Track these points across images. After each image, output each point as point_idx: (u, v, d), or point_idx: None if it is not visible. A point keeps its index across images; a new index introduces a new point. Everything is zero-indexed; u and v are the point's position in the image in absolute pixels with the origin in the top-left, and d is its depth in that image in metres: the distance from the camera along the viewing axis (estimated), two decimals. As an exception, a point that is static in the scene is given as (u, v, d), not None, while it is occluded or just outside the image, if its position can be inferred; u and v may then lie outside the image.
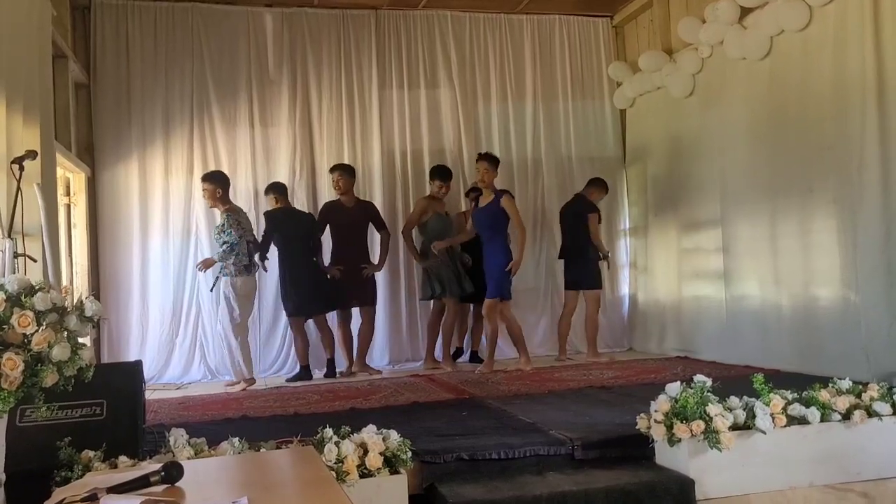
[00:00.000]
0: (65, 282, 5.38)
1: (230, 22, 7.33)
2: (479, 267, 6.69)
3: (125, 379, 3.56)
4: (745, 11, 6.08)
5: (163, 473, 2.11)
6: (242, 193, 7.16)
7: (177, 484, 2.09)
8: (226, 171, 7.11)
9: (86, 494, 2.03)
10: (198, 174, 7.10)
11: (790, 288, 5.79)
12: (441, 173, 7.05)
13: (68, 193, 6.70)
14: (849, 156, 5.18)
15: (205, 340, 7.02)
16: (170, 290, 7.03)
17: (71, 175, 6.72)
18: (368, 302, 6.86)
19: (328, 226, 6.88)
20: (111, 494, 2.00)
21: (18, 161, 4.03)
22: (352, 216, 6.84)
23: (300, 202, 7.19)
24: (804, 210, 5.66)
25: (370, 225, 6.97)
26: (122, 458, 3.06)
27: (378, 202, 7.34)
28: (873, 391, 3.74)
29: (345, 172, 6.85)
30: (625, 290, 8.06)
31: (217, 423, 4.47)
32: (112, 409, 3.41)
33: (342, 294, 6.73)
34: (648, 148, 7.69)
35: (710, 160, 6.69)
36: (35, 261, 3.92)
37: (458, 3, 7.72)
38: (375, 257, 7.03)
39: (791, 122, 5.74)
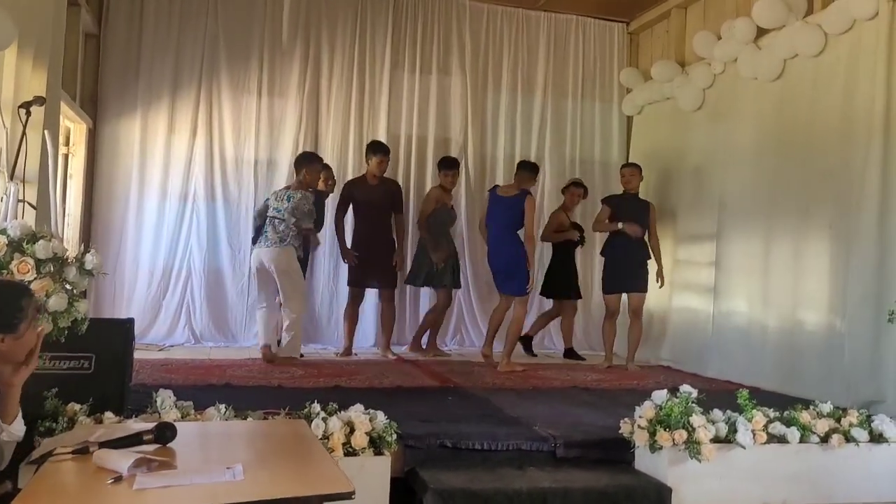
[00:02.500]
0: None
1: (248, -13, 7.29)
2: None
3: (116, 335, 3.55)
4: (761, 32, 6.10)
5: (156, 433, 2.12)
6: (245, 162, 7.14)
7: (169, 445, 2.10)
8: (229, 137, 7.14)
9: (78, 447, 2.04)
10: (201, 137, 7.09)
11: (778, 308, 5.84)
12: (450, 163, 7.00)
13: (67, 143, 6.65)
14: (849, 184, 5.22)
15: (192, 304, 7.00)
16: (161, 250, 6.98)
17: (72, 125, 6.67)
18: (390, 284, 6.77)
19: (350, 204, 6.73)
20: (104, 449, 2.00)
21: (26, 106, 4.01)
22: (376, 194, 6.66)
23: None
24: (799, 233, 5.70)
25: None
26: (108, 415, 3.07)
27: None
28: (852, 417, 3.83)
29: (387, 154, 6.74)
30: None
31: (200, 389, 4.47)
32: (100, 364, 3.40)
33: (360, 273, 6.64)
34: (652, 156, 7.69)
35: (712, 175, 6.72)
36: (35, 208, 3.90)
37: (478, -7, 7.74)
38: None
39: (796, 146, 5.78)
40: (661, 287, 6.65)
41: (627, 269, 6.48)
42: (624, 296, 6.65)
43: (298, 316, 6.02)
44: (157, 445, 2.09)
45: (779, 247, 5.88)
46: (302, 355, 6.17)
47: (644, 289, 6.54)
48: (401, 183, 7.35)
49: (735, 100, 6.52)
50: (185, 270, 7.02)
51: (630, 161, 7.62)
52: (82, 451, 2.01)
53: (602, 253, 6.88)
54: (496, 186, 6.59)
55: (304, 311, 6.22)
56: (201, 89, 7.13)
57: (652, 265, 6.63)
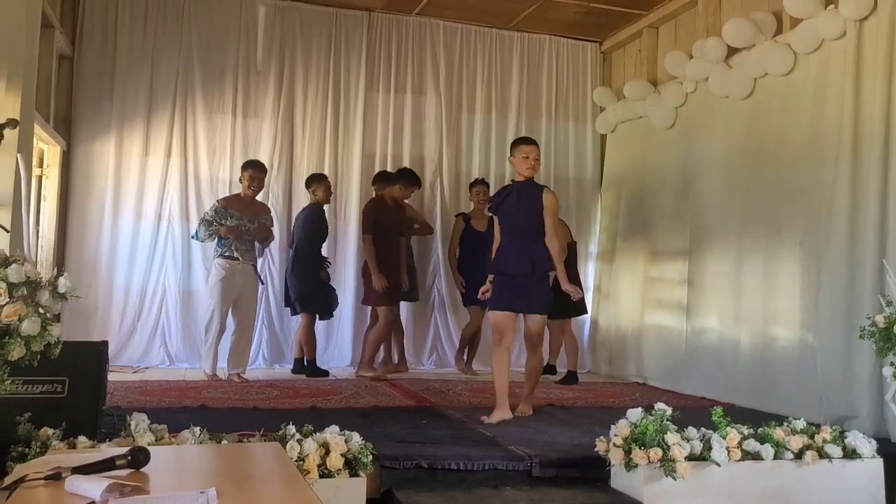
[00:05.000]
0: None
1: (222, 9, 7.30)
2: None
3: (89, 358, 3.54)
4: (731, 51, 6.19)
5: (129, 458, 2.10)
6: (220, 182, 7.13)
7: (142, 469, 2.09)
8: (204, 158, 7.14)
9: (50, 473, 2.01)
10: (176, 158, 7.09)
11: (750, 325, 5.89)
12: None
13: (41, 165, 6.60)
14: (819, 201, 5.29)
15: (167, 326, 6.97)
16: (136, 272, 6.95)
17: (45, 147, 6.62)
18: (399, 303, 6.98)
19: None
20: (76, 475, 1.98)
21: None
22: (396, 217, 6.81)
23: (275, 197, 7.17)
24: (770, 250, 5.76)
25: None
26: (81, 439, 3.04)
27: (354, 204, 7.36)
28: (826, 433, 3.85)
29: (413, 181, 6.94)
30: (588, 313, 8.09)
31: (175, 411, 4.45)
32: (73, 388, 3.38)
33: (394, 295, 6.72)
34: (625, 174, 7.78)
35: (684, 193, 6.79)
36: (8, 231, 3.86)
37: (452, 13, 7.77)
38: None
39: (766, 163, 5.85)
40: (574, 300, 5.32)
41: (516, 283, 4.81)
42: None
43: (213, 331, 6.07)
44: (130, 470, 2.07)
45: (750, 264, 5.94)
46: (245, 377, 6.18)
47: (539, 310, 4.87)
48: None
49: (707, 118, 6.61)
50: (159, 292, 6.99)
51: (602, 178, 7.67)
52: (55, 477, 1.99)
53: None
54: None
55: (213, 331, 6.08)
56: (176, 110, 7.13)
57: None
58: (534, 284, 4.79)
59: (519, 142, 5.07)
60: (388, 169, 7.46)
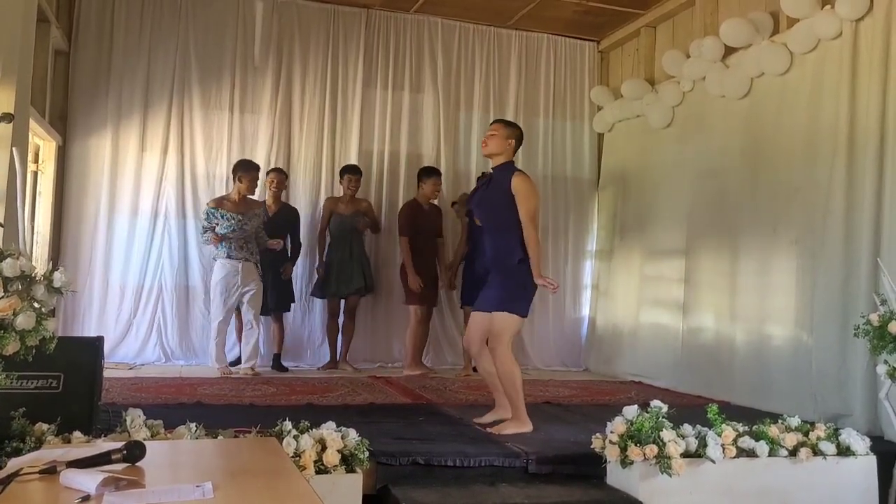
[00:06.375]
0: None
1: (219, 4, 7.27)
2: None
3: (85, 354, 3.52)
4: (728, 51, 6.20)
5: (124, 452, 2.10)
6: (217, 178, 7.13)
7: (137, 464, 2.08)
8: (200, 154, 7.13)
9: (45, 467, 2.01)
10: (172, 154, 7.07)
11: (746, 324, 5.90)
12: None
13: (37, 161, 6.59)
14: (815, 201, 5.30)
15: (163, 322, 6.94)
16: (132, 268, 6.92)
17: (41, 142, 6.61)
18: (434, 305, 7.17)
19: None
20: (71, 469, 1.98)
21: (-6, 123, 3.98)
22: (431, 220, 7.02)
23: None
24: (766, 249, 5.77)
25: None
26: (77, 434, 3.03)
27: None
28: (820, 430, 3.87)
29: (440, 176, 7.09)
30: (585, 311, 8.12)
31: (170, 407, 4.44)
32: (69, 383, 3.37)
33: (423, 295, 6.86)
34: (622, 173, 7.79)
35: (681, 191, 6.79)
36: (3, 226, 3.85)
37: (450, 11, 7.75)
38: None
39: (762, 163, 5.86)
40: (553, 293, 4.88)
41: (480, 276, 4.82)
42: None
43: (215, 325, 6.27)
44: (125, 464, 2.06)
45: (746, 263, 5.96)
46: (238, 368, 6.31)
47: (488, 306, 4.38)
48: (373, 199, 7.42)
49: (704, 117, 6.61)
50: (156, 288, 6.96)
51: (599, 177, 7.63)
52: (50, 471, 1.98)
53: None
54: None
55: (218, 323, 6.26)
56: (172, 106, 7.11)
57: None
58: (493, 278, 4.39)
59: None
60: (384, 166, 7.54)
